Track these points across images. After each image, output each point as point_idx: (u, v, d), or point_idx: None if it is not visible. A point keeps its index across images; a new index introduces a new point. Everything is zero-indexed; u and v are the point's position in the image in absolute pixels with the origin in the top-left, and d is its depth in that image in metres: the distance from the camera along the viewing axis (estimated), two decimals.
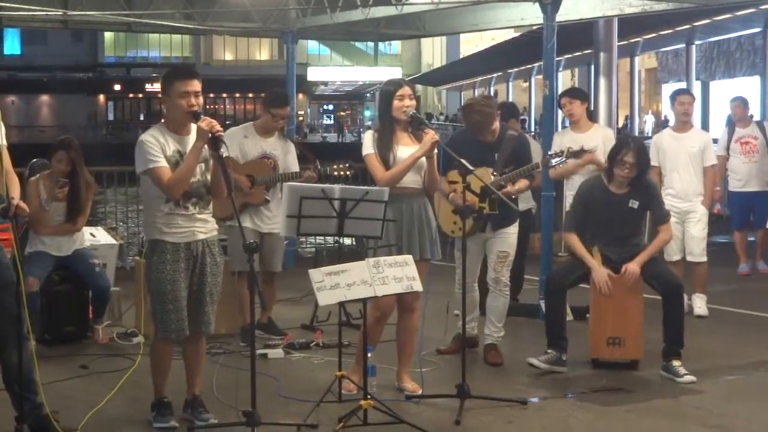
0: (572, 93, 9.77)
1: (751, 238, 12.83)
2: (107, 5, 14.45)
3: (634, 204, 7.85)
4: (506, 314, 8.24)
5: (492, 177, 7.69)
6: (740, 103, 12.11)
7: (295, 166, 8.80)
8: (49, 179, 8.68)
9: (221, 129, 6.08)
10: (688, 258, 9.81)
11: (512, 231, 8.00)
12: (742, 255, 12.31)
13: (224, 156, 6.04)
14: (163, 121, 6.34)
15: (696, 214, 9.70)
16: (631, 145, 7.78)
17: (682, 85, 29.50)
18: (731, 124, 12.22)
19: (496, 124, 7.96)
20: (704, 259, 9.87)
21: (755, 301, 10.70)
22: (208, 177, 6.28)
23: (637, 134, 33.87)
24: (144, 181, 6.26)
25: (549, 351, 7.72)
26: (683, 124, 9.90)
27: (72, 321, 8.80)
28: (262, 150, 8.67)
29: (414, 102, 7.05)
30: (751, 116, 12.56)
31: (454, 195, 7.61)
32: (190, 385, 6.49)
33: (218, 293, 6.43)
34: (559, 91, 10.15)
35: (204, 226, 6.31)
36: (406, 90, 7.02)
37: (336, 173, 8.69)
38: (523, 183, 8.00)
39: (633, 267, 7.68)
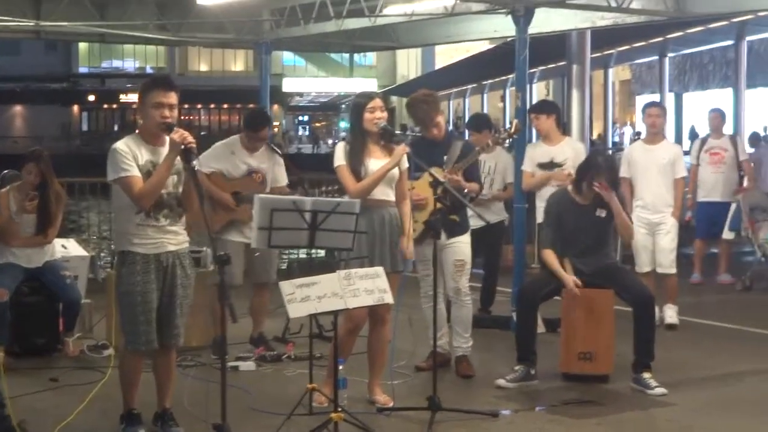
0: (538, 108, 9.81)
1: (715, 250, 12.99)
2: (80, 16, 14.39)
3: (601, 213, 7.87)
4: (478, 325, 8.25)
5: (444, 174, 7.70)
6: (718, 114, 12.30)
7: (283, 179, 8.77)
8: (19, 191, 8.64)
9: (193, 141, 6.06)
10: (658, 270, 9.83)
11: (465, 240, 8.00)
12: (697, 264, 12.44)
13: (195, 168, 6.03)
14: (137, 131, 6.31)
15: (665, 226, 9.72)
16: (602, 168, 7.81)
17: (656, 96, 29.62)
18: (695, 135, 12.38)
19: (441, 118, 8.02)
20: (674, 270, 9.90)
21: (725, 313, 10.76)
22: (180, 191, 6.25)
23: (611, 146, 34.05)
24: (115, 190, 6.22)
25: (516, 368, 7.71)
26: (653, 135, 9.95)
27: (42, 333, 8.73)
28: (249, 165, 8.62)
29: (385, 114, 7.06)
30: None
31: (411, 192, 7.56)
32: (160, 397, 6.45)
33: (188, 306, 6.40)
34: (534, 102, 10.21)
35: (175, 237, 6.28)
36: (377, 102, 7.03)
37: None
38: (474, 185, 8.02)
39: (571, 285, 7.73)
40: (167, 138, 6.14)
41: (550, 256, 7.91)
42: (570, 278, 7.76)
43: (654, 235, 9.76)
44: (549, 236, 8.03)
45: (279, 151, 8.90)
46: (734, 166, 12.29)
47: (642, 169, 9.80)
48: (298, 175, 8.78)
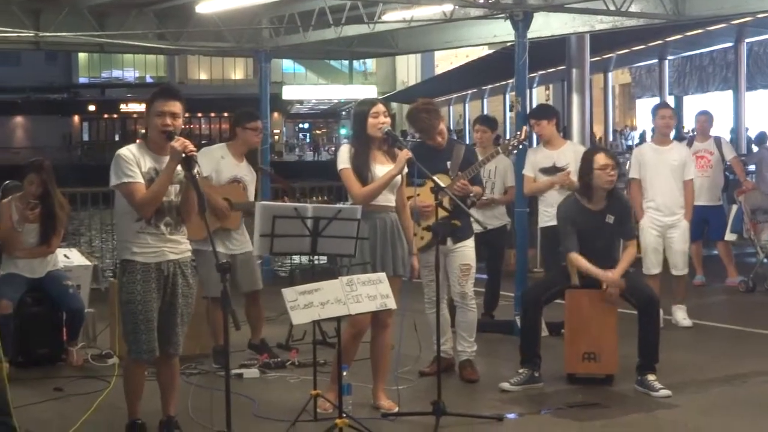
0: (537, 114, 9.80)
1: (715, 252, 13.03)
2: (79, 26, 14.38)
3: (611, 219, 7.87)
4: (481, 329, 8.24)
5: (451, 181, 7.71)
6: (707, 117, 12.26)
7: (252, 196, 8.77)
8: (21, 201, 8.64)
9: (194, 149, 6.07)
10: (672, 271, 9.90)
11: (470, 244, 8.01)
12: (697, 266, 12.45)
13: (197, 176, 6.03)
14: (138, 141, 6.32)
15: (679, 228, 9.77)
16: (598, 151, 7.83)
17: (656, 100, 29.60)
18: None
19: (443, 126, 8.04)
20: (686, 271, 10.02)
21: (729, 314, 10.78)
22: (177, 198, 6.25)
23: (625, 149, 34.03)
24: (117, 198, 6.23)
25: (521, 371, 7.71)
26: (664, 137, 9.98)
27: (46, 343, 8.75)
28: (235, 173, 8.62)
29: (389, 119, 7.06)
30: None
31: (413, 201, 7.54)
32: (164, 405, 6.45)
33: (189, 315, 6.40)
34: (534, 107, 10.20)
35: (176, 246, 6.28)
36: (380, 107, 7.04)
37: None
38: (477, 188, 8.05)
39: (617, 274, 7.69)
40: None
41: (579, 259, 7.82)
42: (609, 275, 7.72)
43: (666, 237, 9.79)
44: (570, 241, 7.90)
45: (257, 168, 8.92)
46: (720, 169, 12.36)
47: (654, 171, 9.82)
48: (285, 184, 8.77)
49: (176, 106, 6.18)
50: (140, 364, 6.35)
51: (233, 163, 8.63)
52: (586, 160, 7.86)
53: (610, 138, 34.77)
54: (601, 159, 7.74)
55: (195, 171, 6.02)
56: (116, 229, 6.38)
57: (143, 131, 6.36)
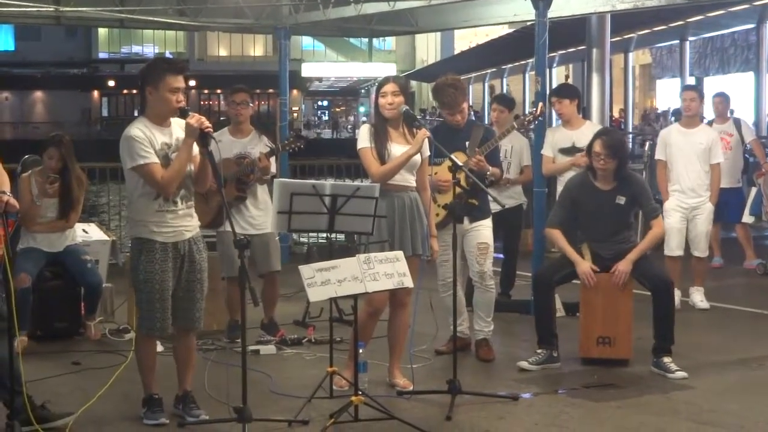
0: (560, 92, 9.76)
1: (733, 234, 13.02)
2: (99, 1, 14.41)
3: (621, 200, 7.84)
4: (498, 309, 8.26)
5: (467, 158, 7.70)
6: (722, 99, 12.17)
7: (271, 166, 8.69)
8: (41, 175, 8.68)
9: (210, 125, 6.08)
10: (694, 253, 9.95)
11: (488, 224, 8.01)
12: (715, 248, 12.44)
13: (213, 152, 6.05)
14: (143, 114, 6.30)
15: (704, 210, 9.78)
16: (600, 136, 7.80)
17: (677, 81, 29.54)
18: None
19: (466, 105, 8.03)
20: (707, 253, 10.09)
21: (746, 297, 10.76)
22: (192, 168, 6.27)
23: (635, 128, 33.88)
24: (131, 178, 6.23)
25: (539, 351, 7.73)
26: (689, 119, 9.95)
27: (64, 317, 8.82)
28: (237, 150, 8.58)
29: (399, 99, 6.99)
30: (732, 112, 12.64)
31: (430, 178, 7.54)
32: (180, 381, 6.49)
33: (205, 289, 6.45)
34: (553, 86, 10.17)
35: (190, 224, 6.34)
36: (390, 87, 7.02)
37: (288, 148, 8.65)
38: (496, 169, 8.05)
39: (623, 267, 7.68)
40: (173, 119, 6.20)
41: (558, 236, 7.89)
42: (584, 264, 7.74)
43: (691, 219, 9.79)
44: (558, 216, 7.99)
45: (267, 138, 8.85)
46: (739, 151, 12.30)
47: (679, 154, 9.81)
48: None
49: (184, 82, 6.20)
50: (151, 339, 6.40)
51: (231, 141, 8.59)
52: (591, 141, 7.87)
53: (630, 119, 34.54)
54: (596, 146, 7.73)
55: (211, 147, 6.04)
56: (131, 209, 6.34)
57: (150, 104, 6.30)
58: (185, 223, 6.28)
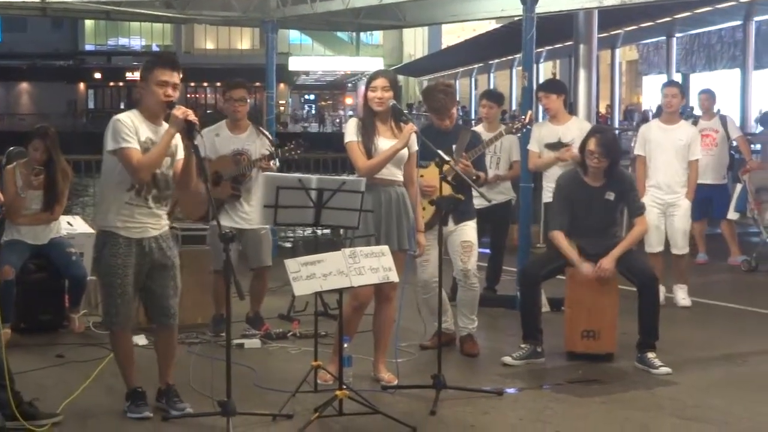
0: (547, 87, 9.77)
1: (718, 230, 13.03)
2: None
3: (610, 196, 7.86)
4: (483, 304, 8.26)
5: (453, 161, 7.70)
6: (708, 96, 12.20)
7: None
8: (26, 167, 8.65)
9: (196, 119, 6.05)
10: (672, 250, 9.91)
11: (472, 225, 8.03)
12: (699, 245, 12.47)
13: (197, 145, 6.03)
14: (138, 108, 6.30)
15: (680, 207, 9.77)
16: (595, 134, 7.81)
17: (663, 77, 29.56)
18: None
19: (454, 110, 8.05)
20: (687, 251, 10.03)
21: (731, 293, 10.79)
22: (170, 173, 6.26)
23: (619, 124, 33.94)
24: (108, 163, 6.22)
25: (523, 345, 7.74)
26: (669, 115, 9.95)
27: (48, 310, 8.78)
28: (235, 147, 8.55)
29: (388, 94, 6.99)
30: (718, 111, 12.66)
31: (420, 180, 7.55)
32: (162, 374, 6.47)
33: (178, 286, 6.43)
34: (540, 82, 10.17)
35: (158, 222, 6.31)
36: (380, 81, 7.01)
37: (288, 154, 8.62)
38: (482, 174, 8.06)
39: (607, 264, 7.69)
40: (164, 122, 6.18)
41: (561, 239, 7.88)
42: (587, 265, 7.75)
43: (668, 215, 9.79)
44: (558, 218, 8.00)
45: (267, 134, 8.83)
46: (725, 148, 12.33)
47: (659, 149, 9.80)
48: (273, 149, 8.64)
49: (177, 77, 6.19)
50: (121, 333, 6.38)
51: (230, 136, 8.55)
52: (585, 139, 7.88)
53: (616, 115, 34.61)
54: (591, 144, 7.75)
55: (196, 141, 6.02)
56: (100, 198, 6.35)
57: (142, 99, 6.31)
58: (152, 221, 6.27)
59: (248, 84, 8.93)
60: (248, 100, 8.74)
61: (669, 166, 9.75)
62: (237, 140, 8.57)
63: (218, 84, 68.18)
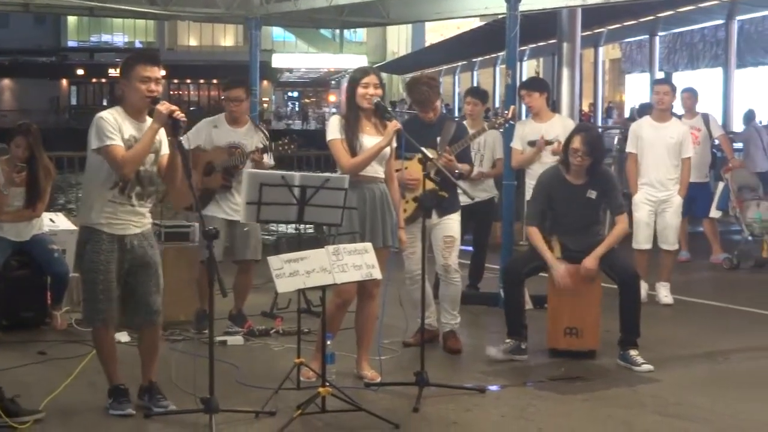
0: (530, 85, 9.80)
1: (700, 228, 13.09)
2: None
3: (592, 194, 7.88)
4: (466, 302, 8.26)
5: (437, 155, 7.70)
6: (690, 94, 12.22)
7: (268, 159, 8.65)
8: (8, 164, 8.62)
9: (183, 114, 6.05)
10: (662, 246, 9.95)
11: (456, 218, 8.02)
12: (682, 243, 12.50)
13: (182, 141, 6.03)
14: (121, 106, 6.29)
15: (672, 204, 9.81)
16: (580, 132, 7.82)
17: (646, 76, 29.63)
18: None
19: (438, 102, 8.06)
20: (677, 247, 10.14)
21: (713, 291, 10.83)
22: (154, 170, 6.25)
23: (602, 123, 34.01)
24: (92, 161, 6.21)
25: (507, 341, 7.75)
26: (661, 113, 9.98)
27: (30, 306, 8.74)
28: (231, 140, 8.55)
29: (379, 91, 7.01)
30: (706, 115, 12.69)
31: (400, 174, 7.55)
32: (144, 372, 6.45)
33: (161, 282, 6.43)
34: (523, 80, 10.18)
35: (140, 220, 6.31)
36: (372, 78, 7.01)
37: (281, 149, 8.60)
38: (466, 166, 8.03)
39: (590, 263, 7.71)
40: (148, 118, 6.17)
41: (536, 237, 7.90)
42: (560, 266, 7.76)
43: (659, 212, 9.82)
44: (535, 213, 8.03)
45: (263, 129, 8.83)
46: (707, 146, 12.36)
47: (650, 147, 9.83)
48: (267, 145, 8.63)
49: (158, 72, 6.19)
50: (105, 330, 6.36)
51: (228, 129, 8.57)
52: (569, 136, 7.89)
53: (599, 114, 34.64)
54: (575, 142, 7.76)
55: (180, 136, 6.02)
56: (85, 193, 6.34)
57: (124, 96, 6.31)
58: (134, 218, 6.26)
59: (247, 83, 8.93)
60: (246, 99, 8.72)
61: (661, 163, 9.79)
62: (234, 134, 8.57)
63: (201, 81, 68.29)
